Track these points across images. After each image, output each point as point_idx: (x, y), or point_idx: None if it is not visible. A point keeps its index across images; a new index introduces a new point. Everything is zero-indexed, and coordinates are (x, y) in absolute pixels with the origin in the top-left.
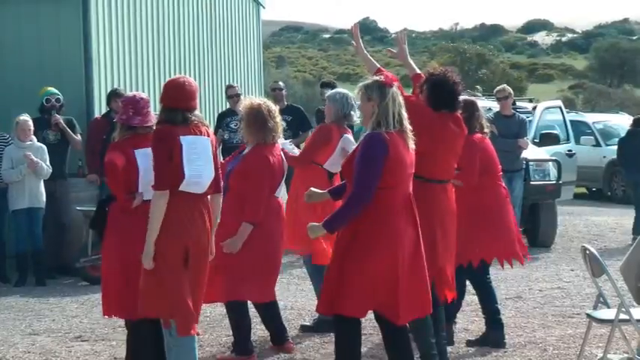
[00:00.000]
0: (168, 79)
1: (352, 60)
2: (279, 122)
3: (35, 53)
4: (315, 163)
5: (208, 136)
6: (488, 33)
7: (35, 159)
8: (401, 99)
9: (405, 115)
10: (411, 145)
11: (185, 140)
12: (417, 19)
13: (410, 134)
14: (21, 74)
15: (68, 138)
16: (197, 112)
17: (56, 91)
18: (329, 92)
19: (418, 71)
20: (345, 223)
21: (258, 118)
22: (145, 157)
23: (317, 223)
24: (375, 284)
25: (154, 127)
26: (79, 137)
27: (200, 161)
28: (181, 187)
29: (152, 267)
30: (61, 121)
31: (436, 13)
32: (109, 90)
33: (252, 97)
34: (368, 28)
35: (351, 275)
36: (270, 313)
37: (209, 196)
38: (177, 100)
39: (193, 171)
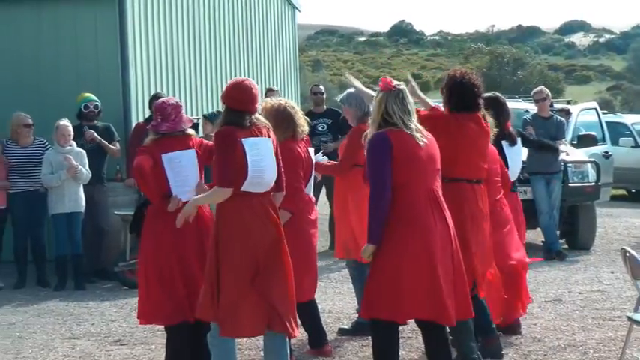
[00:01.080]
0: (231, 79)
1: (388, 63)
2: (303, 116)
3: (72, 59)
4: (357, 165)
5: (269, 136)
6: (525, 34)
7: (75, 163)
8: (398, 104)
9: (398, 117)
10: (422, 141)
11: (247, 142)
12: (453, 21)
13: (416, 132)
14: (58, 80)
15: (106, 149)
16: (257, 115)
17: (94, 97)
18: (341, 96)
19: (432, 104)
20: (379, 225)
21: (285, 115)
22: (171, 160)
23: (365, 246)
24: (413, 285)
25: (213, 133)
26: (117, 146)
27: (263, 162)
28: (243, 187)
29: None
30: (96, 136)
31: (472, 15)
32: (146, 95)
33: (267, 99)
34: (404, 31)
35: (383, 277)
36: (309, 314)
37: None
38: (245, 102)
39: (256, 172)
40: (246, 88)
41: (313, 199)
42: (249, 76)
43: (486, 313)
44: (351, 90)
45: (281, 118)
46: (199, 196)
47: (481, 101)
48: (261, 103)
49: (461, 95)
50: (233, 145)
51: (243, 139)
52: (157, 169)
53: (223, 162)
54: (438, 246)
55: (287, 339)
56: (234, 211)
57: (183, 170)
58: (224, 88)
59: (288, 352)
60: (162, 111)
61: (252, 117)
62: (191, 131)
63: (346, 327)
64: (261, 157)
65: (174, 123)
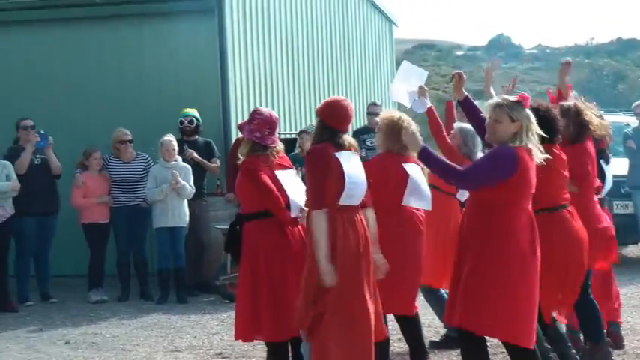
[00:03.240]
0: (329, 98)
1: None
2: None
3: (173, 76)
4: (447, 194)
5: (357, 152)
6: (625, 47)
7: (179, 179)
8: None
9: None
10: (539, 158)
11: (340, 155)
12: (552, 34)
13: (536, 149)
14: (159, 96)
15: (205, 167)
16: (347, 135)
17: (191, 112)
18: (459, 125)
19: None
20: (436, 169)
21: (395, 128)
22: (286, 177)
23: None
24: (530, 310)
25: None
26: (216, 163)
27: (357, 174)
28: (341, 201)
29: (333, 283)
30: (195, 155)
31: (571, 28)
32: (245, 110)
33: (391, 110)
34: (502, 45)
35: (501, 298)
36: (411, 328)
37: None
38: (341, 121)
39: (352, 184)
40: (343, 107)
41: (422, 212)
42: (346, 91)
43: (595, 317)
44: (466, 125)
45: (390, 130)
46: (320, 252)
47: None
48: (381, 112)
49: (547, 129)
50: (328, 162)
51: (337, 153)
52: (274, 182)
53: (318, 182)
54: (534, 267)
55: None
56: (341, 225)
57: (295, 187)
58: (321, 103)
59: None
60: (272, 124)
61: (345, 138)
62: (282, 146)
63: (436, 340)
64: (354, 169)
65: (276, 136)
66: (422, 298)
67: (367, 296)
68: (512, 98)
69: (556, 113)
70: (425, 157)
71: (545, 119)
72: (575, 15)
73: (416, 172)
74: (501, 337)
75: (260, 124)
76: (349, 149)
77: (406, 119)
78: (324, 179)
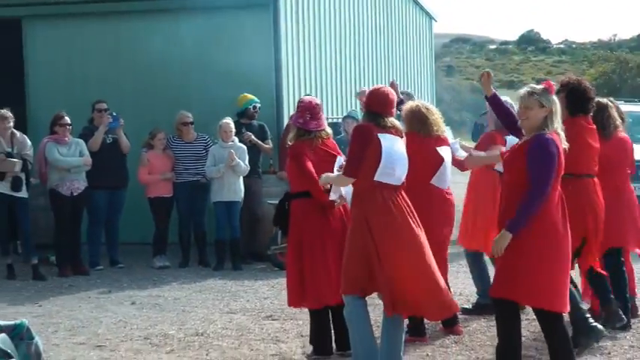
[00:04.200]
0: (372, 87)
1: (516, 69)
2: (439, 118)
3: (231, 63)
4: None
5: (402, 137)
6: None
7: (235, 158)
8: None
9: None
10: (565, 144)
11: (382, 136)
12: (577, 30)
13: (563, 136)
14: (218, 82)
15: (259, 148)
16: (392, 118)
17: (257, 99)
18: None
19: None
20: (527, 221)
21: (416, 115)
22: (338, 162)
23: (502, 233)
24: (564, 279)
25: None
26: (269, 144)
27: (396, 156)
28: (376, 177)
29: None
30: (252, 137)
31: (595, 25)
32: (296, 96)
33: (410, 102)
34: (531, 40)
35: (540, 267)
36: None
37: None
38: (381, 105)
39: (388, 162)
40: (382, 93)
41: (448, 189)
42: (388, 80)
43: (604, 286)
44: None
45: (412, 118)
46: (330, 174)
47: (593, 104)
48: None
49: (578, 100)
50: (369, 138)
51: (379, 134)
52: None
53: (355, 153)
54: (565, 244)
55: (403, 320)
56: (369, 198)
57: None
58: (365, 95)
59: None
60: (312, 109)
61: (388, 120)
62: (329, 131)
63: (467, 307)
64: (394, 150)
65: (320, 121)
66: (466, 270)
67: (410, 268)
68: (540, 86)
69: (587, 84)
70: (516, 229)
71: (575, 91)
72: (600, 12)
73: (448, 155)
74: (538, 305)
75: (302, 111)
76: (392, 132)
77: (424, 104)
78: (362, 151)
